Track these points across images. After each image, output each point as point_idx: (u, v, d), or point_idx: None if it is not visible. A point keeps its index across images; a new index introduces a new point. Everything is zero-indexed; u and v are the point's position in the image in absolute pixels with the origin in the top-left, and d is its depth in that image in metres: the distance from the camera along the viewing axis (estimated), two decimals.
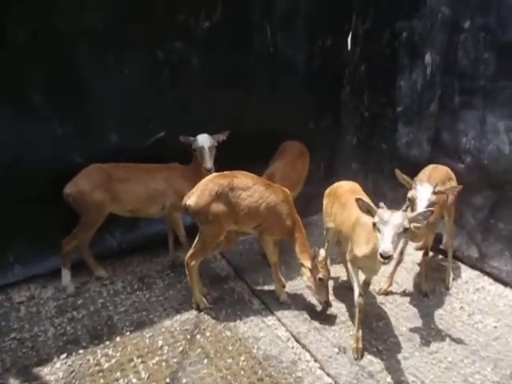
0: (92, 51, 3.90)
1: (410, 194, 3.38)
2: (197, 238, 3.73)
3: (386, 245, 2.65)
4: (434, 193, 3.32)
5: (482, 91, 4.17)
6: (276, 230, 3.80)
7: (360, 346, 3.35)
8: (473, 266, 4.53)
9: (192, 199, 3.59)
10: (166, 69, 4.32)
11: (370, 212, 2.88)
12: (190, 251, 3.74)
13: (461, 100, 4.38)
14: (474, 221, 4.48)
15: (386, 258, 2.62)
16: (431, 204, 3.28)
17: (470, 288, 4.24)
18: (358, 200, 2.91)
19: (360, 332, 3.36)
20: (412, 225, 2.95)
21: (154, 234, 4.54)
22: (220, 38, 4.52)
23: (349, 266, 3.47)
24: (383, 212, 2.79)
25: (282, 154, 4.71)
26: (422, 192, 3.34)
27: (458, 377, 3.18)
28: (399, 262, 4.10)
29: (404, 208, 2.89)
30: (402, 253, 4.06)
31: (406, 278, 4.36)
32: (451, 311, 3.89)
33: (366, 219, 3.00)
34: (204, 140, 4.08)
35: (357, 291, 3.33)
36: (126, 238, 4.54)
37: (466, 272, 4.48)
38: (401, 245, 4.04)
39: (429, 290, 4.09)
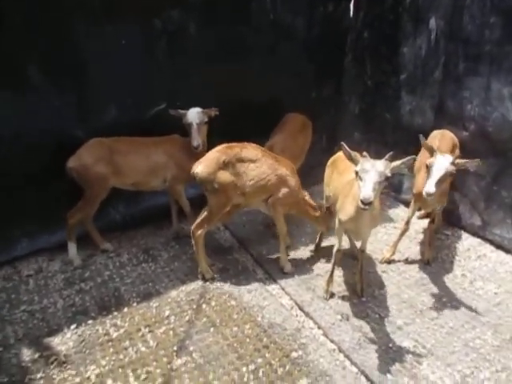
0: (89, 23, 3.82)
1: (428, 161, 3.40)
2: (204, 208, 3.78)
3: (366, 191, 2.73)
4: (453, 164, 3.32)
5: (488, 57, 4.08)
6: (288, 202, 3.87)
7: (331, 289, 3.68)
8: (475, 234, 4.56)
9: (199, 168, 3.63)
10: (164, 38, 4.24)
11: (353, 160, 2.94)
12: (197, 221, 3.78)
13: (465, 66, 4.29)
14: (476, 189, 4.48)
15: (367, 204, 2.71)
16: (448, 174, 3.31)
17: (471, 255, 4.28)
18: (341, 146, 2.98)
19: (332, 277, 3.67)
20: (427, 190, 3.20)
21: (158, 207, 4.56)
22: (218, 5, 4.42)
23: (336, 225, 3.51)
24: (365, 161, 2.86)
25: (283, 127, 4.64)
26: (441, 161, 3.34)
27: (458, 342, 3.25)
28: (404, 231, 4.11)
29: (387, 157, 2.91)
30: (408, 222, 4.08)
31: (408, 246, 4.40)
32: (453, 278, 3.94)
33: (353, 181, 3.05)
34: (193, 116, 3.99)
35: (336, 247, 3.57)
36: (130, 211, 4.57)
37: (468, 240, 4.52)
38: (408, 214, 4.08)
39: (431, 258, 4.14)
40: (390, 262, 4.17)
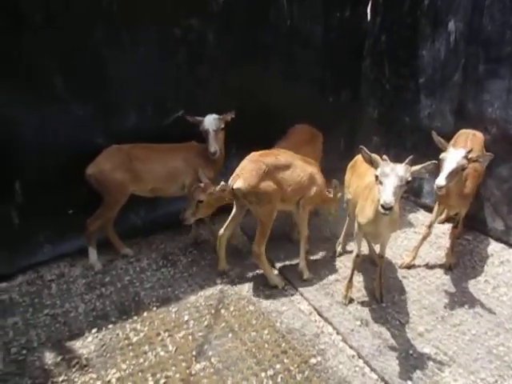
0: (109, 32, 3.91)
1: (441, 156, 3.38)
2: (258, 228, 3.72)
3: (387, 196, 2.71)
4: (466, 158, 3.30)
5: (509, 59, 4.03)
6: (317, 199, 4.00)
7: (350, 294, 3.66)
8: (498, 239, 4.47)
9: (240, 182, 3.56)
10: (183, 46, 4.30)
11: (373, 164, 2.93)
12: (255, 240, 3.73)
13: (486, 69, 4.24)
14: (499, 192, 4.39)
15: (387, 209, 2.68)
16: (460, 167, 3.30)
17: (494, 261, 4.19)
18: (361, 149, 2.97)
19: (351, 283, 3.66)
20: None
21: (177, 213, 4.59)
22: (236, 13, 4.46)
23: (355, 230, 3.49)
24: (385, 164, 2.84)
25: (287, 138, 4.49)
26: (453, 154, 3.33)
27: (481, 349, 3.18)
28: (426, 235, 4.06)
29: (407, 161, 2.88)
30: (430, 226, 4.03)
31: (429, 251, 4.34)
32: (475, 284, 3.87)
33: (373, 184, 3.02)
34: (210, 123, 4.04)
35: (355, 252, 3.55)
36: (151, 216, 4.64)
37: (491, 245, 4.43)
38: (431, 218, 4.05)
39: (453, 264, 4.07)
40: (410, 267, 4.11)
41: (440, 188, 3.28)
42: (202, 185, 3.88)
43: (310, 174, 3.87)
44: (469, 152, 3.33)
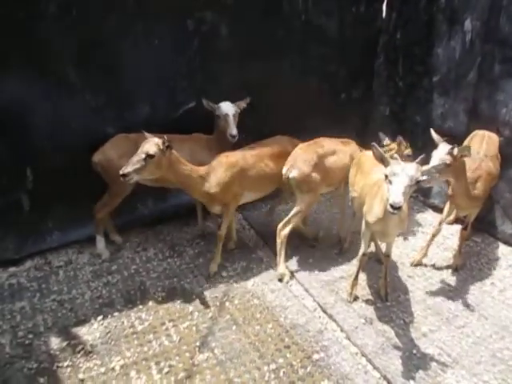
0: (123, 23, 3.91)
1: (432, 152, 3.42)
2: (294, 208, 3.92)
3: (396, 196, 2.69)
4: (450, 154, 3.31)
5: None
6: None
7: (354, 292, 3.65)
8: (506, 242, 4.43)
9: (295, 171, 3.78)
10: (196, 39, 4.29)
11: (383, 162, 2.90)
12: (284, 220, 3.89)
13: (501, 69, 4.18)
14: (509, 195, 4.35)
15: (396, 208, 2.67)
16: (443, 164, 3.30)
17: (502, 264, 4.16)
18: (372, 146, 2.95)
19: (357, 281, 3.64)
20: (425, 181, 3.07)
21: (185, 204, 4.62)
22: (250, 6, 4.44)
23: (362, 227, 3.48)
24: (396, 163, 2.82)
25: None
26: (439, 150, 3.37)
27: (485, 352, 3.17)
28: (436, 232, 4.04)
29: (418, 160, 2.86)
30: (440, 223, 4.01)
31: (435, 251, 4.31)
32: (481, 286, 3.84)
33: (382, 182, 3.01)
34: (228, 107, 4.09)
35: (362, 250, 3.51)
36: (158, 207, 4.65)
37: (499, 248, 4.39)
38: (442, 216, 4.03)
39: (460, 265, 4.04)
40: (417, 265, 4.11)
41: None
42: (159, 139, 3.37)
43: (350, 155, 4.07)
44: (452, 148, 3.31)
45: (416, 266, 4.12)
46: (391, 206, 2.69)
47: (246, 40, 4.52)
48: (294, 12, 4.73)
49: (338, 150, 4.06)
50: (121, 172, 3.21)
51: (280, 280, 3.91)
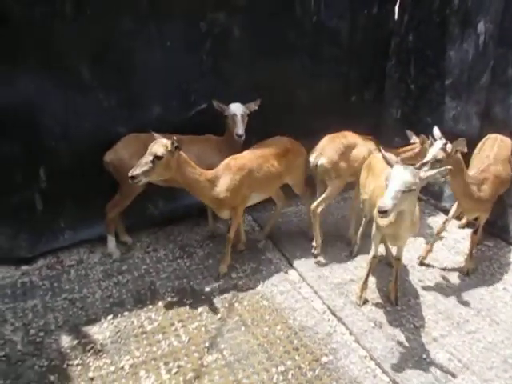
0: (137, 23, 3.95)
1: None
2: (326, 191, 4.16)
3: (384, 200, 2.70)
4: (443, 149, 3.37)
5: None
6: None
7: (364, 295, 3.63)
8: None
9: (324, 159, 4.07)
10: (208, 40, 4.31)
11: (390, 165, 2.92)
12: (318, 201, 4.13)
13: None
14: None
15: (382, 212, 2.68)
16: (434, 160, 3.34)
17: None
18: (380, 150, 2.94)
19: (366, 284, 3.64)
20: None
21: (196, 205, 4.63)
22: (262, 8, 4.45)
23: (373, 231, 3.47)
24: (395, 167, 2.82)
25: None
26: (434, 147, 3.43)
27: (496, 357, 3.13)
28: (441, 230, 4.06)
29: (417, 165, 2.84)
30: (445, 222, 4.05)
31: (446, 256, 4.27)
32: (493, 291, 3.80)
33: None
34: (237, 107, 4.11)
35: (372, 253, 3.53)
36: (168, 208, 4.67)
37: (511, 252, 4.34)
38: (448, 215, 4.05)
39: (471, 269, 4.01)
40: (422, 263, 4.15)
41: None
42: (167, 140, 3.35)
43: (369, 150, 4.22)
44: (445, 144, 3.38)
45: (422, 264, 4.13)
46: (378, 209, 2.69)
47: (258, 41, 4.53)
48: (306, 14, 4.73)
49: (359, 144, 4.24)
50: (129, 174, 3.22)
51: (315, 256, 4.16)
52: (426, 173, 2.89)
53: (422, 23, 5.03)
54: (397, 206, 2.76)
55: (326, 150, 4.09)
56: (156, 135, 3.48)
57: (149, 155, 3.26)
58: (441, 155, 3.36)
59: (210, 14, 4.22)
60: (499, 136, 4.13)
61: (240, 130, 4.07)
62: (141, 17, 3.94)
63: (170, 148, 3.31)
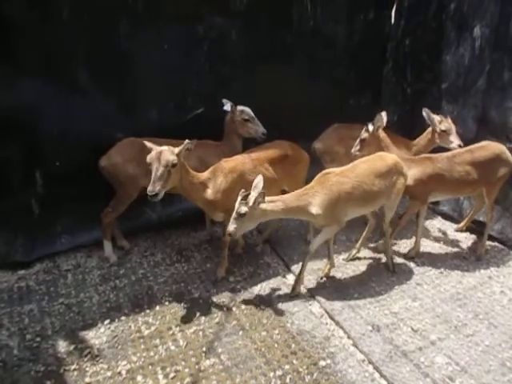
0: (133, 28, 3.96)
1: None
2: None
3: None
4: (366, 130, 3.95)
5: None
6: None
7: (298, 289, 3.79)
8: None
9: (319, 143, 4.52)
10: (205, 44, 4.33)
11: None
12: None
13: (511, 76, 4.15)
14: None
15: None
16: (362, 141, 3.99)
17: None
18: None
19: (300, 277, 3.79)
20: None
21: (193, 209, 4.62)
22: (259, 12, 4.47)
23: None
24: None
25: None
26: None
27: (494, 360, 3.13)
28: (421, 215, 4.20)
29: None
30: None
31: (444, 259, 4.28)
32: (491, 295, 3.80)
33: None
34: (249, 110, 4.27)
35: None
36: (166, 212, 4.66)
37: (509, 255, 4.34)
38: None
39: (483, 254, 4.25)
40: (412, 258, 4.26)
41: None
42: (172, 148, 3.35)
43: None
44: (367, 125, 3.93)
45: (410, 258, 4.25)
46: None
47: (255, 45, 4.56)
48: (304, 18, 4.76)
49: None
50: (152, 193, 3.19)
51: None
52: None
53: (418, 28, 5.08)
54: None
55: (324, 136, 4.53)
56: (149, 144, 3.40)
57: (162, 166, 3.22)
58: (364, 136, 3.96)
59: (208, 18, 4.24)
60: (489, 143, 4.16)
61: (262, 128, 4.29)
62: (138, 21, 3.95)
63: (176, 152, 3.32)
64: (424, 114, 4.29)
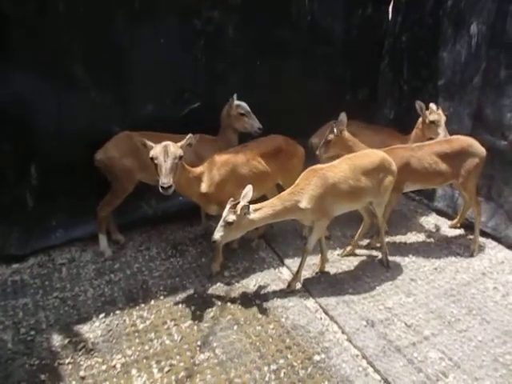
0: (129, 21, 3.94)
1: None
2: None
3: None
4: (331, 132, 4.06)
5: None
6: None
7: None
8: (510, 247, 4.40)
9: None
10: (202, 38, 4.31)
11: None
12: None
13: (507, 74, 4.16)
14: None
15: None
16: (327, 142, 4.09)
17: (505, 268, 4.13)
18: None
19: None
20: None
21: (188, 204, 4.62)
22: (257, 7, 4.45)
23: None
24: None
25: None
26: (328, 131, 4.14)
27: (487, 356, 3.15)
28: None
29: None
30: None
31: (438, 255, 4.30)
32: (484, 291, 3.83)
33: None
34: (245, 104, 4.25)
35: None
36: (161, 206, 4.66)
37: (503, 252, 4.37)
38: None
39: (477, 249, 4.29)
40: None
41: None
42: (170, 142, 3.36)
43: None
44: (332, 127, 4.04)
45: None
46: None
47: (252, 40, 4.55)
48: (300, 13, 4.74)
49: (366, 133, 4.60)
50: (165, 185, 3.21)
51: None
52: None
53: (415, 24, 5.08)
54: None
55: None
56: (149, 143, 3.36)
57: (172, 159, 3.26)
58: (329, 137, 4.06)
59: (205, 12, 4.22)
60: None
61: (259, 124, 4.28)
62: (134, 14, 3.93)
63: (180, 145, 3.36)
64: (417, 106, 4.37)
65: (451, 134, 4.33)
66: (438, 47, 4.80)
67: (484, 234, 4.53)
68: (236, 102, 4.21)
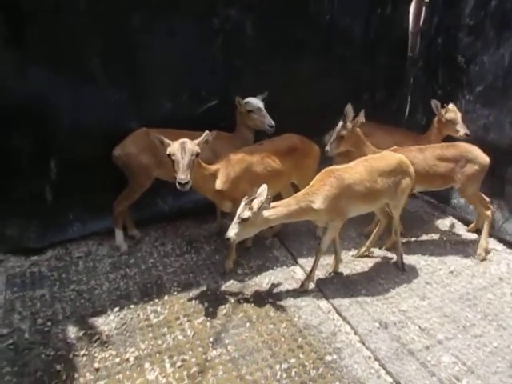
0: (148, 19, 3.96)
1: None
2: None
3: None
4: (344, 127, 4.00)
5: None
6: None
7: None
8: None
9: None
10: (220, 36, 4.32)
11: None
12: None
13: None
14: None
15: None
16: (340, 138, 4.01)
17: None
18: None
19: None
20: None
21: (204, 201, 4.65)
22: (275, 4, 4.44)
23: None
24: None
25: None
26: (337, 126, 4.05)
27: (502, 362, 3.10)
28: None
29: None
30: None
31: (455, 258, 4.24)
32: (501, 296, 3.76)
33: None
34: (257, 101, 4.21)
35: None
36: (177, 203, 4.69)
37: None
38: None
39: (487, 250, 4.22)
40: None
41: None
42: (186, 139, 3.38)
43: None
44: (345, 123, 3.98)
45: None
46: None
47: (271, 39, 4.53)
48: (319, 12, 4.71)
49: (378, 135, 4.54)
50: (183, 181, 3.25)
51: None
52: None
53: (452, 26, 4.80)
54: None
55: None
56: (166, 140, 3.41)
57: (189, 155, 3.30)
58: (342, 132, 3.98)
59: (223, 10, 4.22)
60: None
61: (271, 121, 4.19)
62: (152, 12, 3.95)
63: (197, 142, 3.40)
64: (432, 105, 4.34)
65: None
66: (478, 50, 4.53)
67: (500, 239, 4.46)
68: (246, 100, 4.20)
